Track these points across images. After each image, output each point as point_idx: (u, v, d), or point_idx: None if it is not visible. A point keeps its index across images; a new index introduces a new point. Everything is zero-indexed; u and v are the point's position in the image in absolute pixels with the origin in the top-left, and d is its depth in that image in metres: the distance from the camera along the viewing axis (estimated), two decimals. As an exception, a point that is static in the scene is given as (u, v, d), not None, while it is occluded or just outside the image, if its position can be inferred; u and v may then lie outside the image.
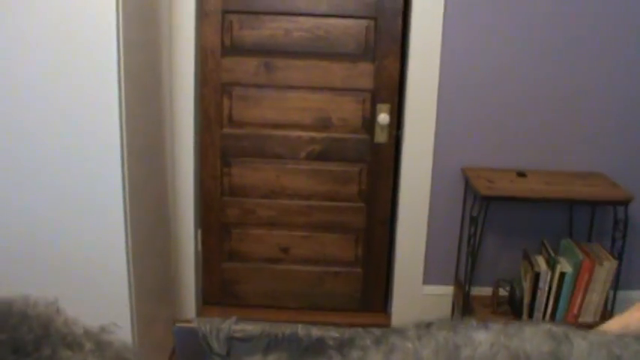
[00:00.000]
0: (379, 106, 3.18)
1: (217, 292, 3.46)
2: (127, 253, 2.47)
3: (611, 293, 2.96)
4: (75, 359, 0.66)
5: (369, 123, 3.20)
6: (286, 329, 1.23)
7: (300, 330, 1.27)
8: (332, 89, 3.16)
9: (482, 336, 0.74)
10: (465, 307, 3.05)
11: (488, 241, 3.21)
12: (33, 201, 2.36)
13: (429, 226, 3.21)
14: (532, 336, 0.74)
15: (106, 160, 2.36)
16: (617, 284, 2.94)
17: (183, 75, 3.04)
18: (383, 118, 3.16)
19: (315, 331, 1.23)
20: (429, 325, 0.76)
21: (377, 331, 0.78)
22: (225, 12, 3.11)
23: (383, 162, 3.25)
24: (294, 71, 3.12)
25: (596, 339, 0.74)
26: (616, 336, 0.74)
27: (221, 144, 3.25)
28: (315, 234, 3.34)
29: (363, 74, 3.16)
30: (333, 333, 1.18)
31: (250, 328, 1.38)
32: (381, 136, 3.21)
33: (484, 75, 3.06)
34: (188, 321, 1.54)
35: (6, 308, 0.66)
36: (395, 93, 3.19)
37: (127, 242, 2.46)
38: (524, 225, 3.22)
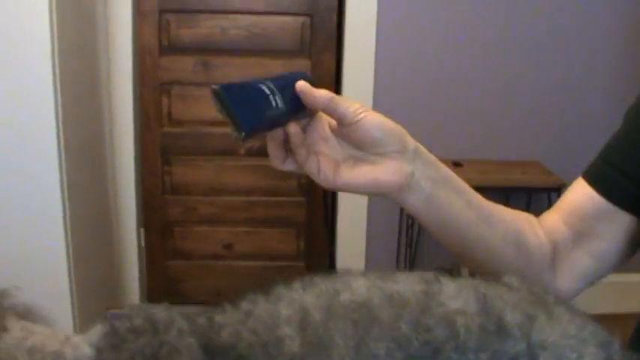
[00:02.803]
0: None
1: (162, 291, 3.47)
2: (68, 253, 2.48)
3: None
4: None
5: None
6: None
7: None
8: (269, 85, 3.19)
9: (360, 282, 0.79)
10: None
11: (427, 231, 3.27)
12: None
13: (368, 217, 3.26)
14: (405, 279, 0.79)
15: (44, 160, 2.37)
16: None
17: (122, 75, 3.05)
18: (320, 112, 3.21)
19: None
20: (313, 278, 0.81)
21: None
22: (162, 11, 3.13)
23: (322, 156, 3.29)
24: (231, 69, 3.16)
25: (464, 281, 0.80)
26: (482, 279, 0.80)
27: (161, 142, 3.27)
28: (258, 229, 3.38)
29: (299, 70, 3.20)
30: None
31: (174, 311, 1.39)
32: (319, 131, 3.25)
33: (418, 68, 3.13)
34: (121, 308, 1.57)
35: None
36: (332, 88, 3.24)
37: (67, 241, 2.47)
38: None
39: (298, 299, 0.76)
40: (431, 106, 3.18)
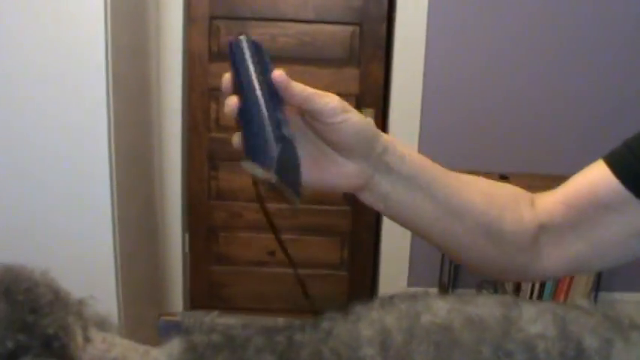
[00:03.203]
0: (364, 110, 3.22)
1: (205, 296, 3.49)
2: (115, 257, 2.50)
3: (593, 295, 3.01)
4: (78, 325, 0.70)
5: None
6: (267, 322, 1.26)
7: (280, 321, 1.30)
8: (318, 94, 3.19)
9: (440, 304, 0.78)
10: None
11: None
12: (21, 202, 2.39)
13: (412, 234, 3.24)
14: (484, 302, 0.78)
15: (94, 164, 2.39)
16: (598, 286, 2.99)
17: (171, 80, 3.08)
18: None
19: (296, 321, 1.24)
20: (391, 298, 0.80)
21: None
22: (213, 17, 3.16)
23: (368, 166, 3.29)
24: (280, 76, 3.15)
25: (541, 305, 0.78)
26: (559, 303, 0.79)
27: (208, 147, 3.29)
28: (302, 237, 3.38)
29: (348, 79, 3.21)
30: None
31: (232, 321, 1.41)
32: (366, 141, 3.25)
33: (467, 79, 3.11)
34: (173, 314, 1.58)
35: (14, 273, 0.69)
36: (380, 98, 3.25)
37: (114, 246, 2.49)
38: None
39: (379, 320, 0.75)
40: (479, 118, 3.16)
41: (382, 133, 0.86)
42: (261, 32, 3.14)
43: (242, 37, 0.83)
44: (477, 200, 0.91)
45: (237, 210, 3.36)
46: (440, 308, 0.77)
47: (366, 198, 0.89)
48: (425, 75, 3.10)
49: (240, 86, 0.82)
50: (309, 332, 0.77)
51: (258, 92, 0.82)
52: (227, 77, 0.83)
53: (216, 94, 3.22)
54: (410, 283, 3.33)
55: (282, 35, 3.16)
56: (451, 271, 3.14)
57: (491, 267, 0.98)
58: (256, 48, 0.83)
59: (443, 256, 3.28)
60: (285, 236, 3.11)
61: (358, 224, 3.39)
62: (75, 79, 2.32)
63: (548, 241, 0.95)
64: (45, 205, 2.40)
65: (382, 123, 3.26)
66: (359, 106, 3.22)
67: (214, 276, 3.46)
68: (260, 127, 0.81)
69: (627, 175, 0.92)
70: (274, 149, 0.81)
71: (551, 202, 0.95)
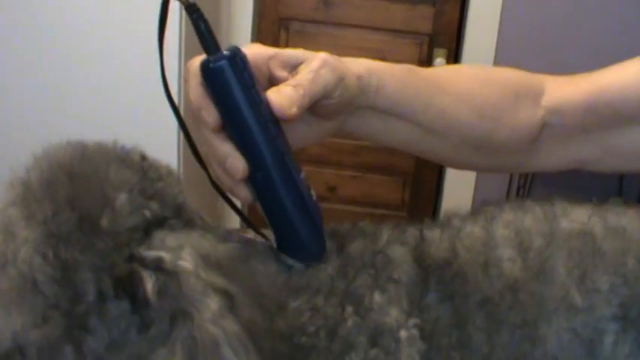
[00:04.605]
0: (436, 50, 3.15)
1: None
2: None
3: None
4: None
5: (425, 67, 3.17)
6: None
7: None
8: (390, 31, 3.13)
9: (579, 210, 0.74)
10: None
11: (537, 194, 3.19)
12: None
13: (477, 174, 3.19)
14: (625, 212, 0.74)
15: (164, 156, 2.37)
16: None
17: (242, 7, 3.04)
18: (439, 62, 3.13)
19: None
20: (522, 202, 0.76)
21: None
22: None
23: (436, 107, 3.23)
24: (353, 9, 3.10)
25: None
26: None
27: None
28: (364, 175, 3.34)
29: (422, 17, 3.13)
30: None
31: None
32: (435, 81, 3.18)
33: (544, 23, 3.02)
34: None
35: (118, 145, 0.64)
36: (453, 39, 3.16)
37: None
38: (574, 181, 3.18)
39: (514, 221, 0.71)
40: (555, 68, 3.06)
41: (364, 75, 0.75)
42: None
43: (223, 63, 0.61)
44: (466, 116, 0.81)
45: (299, 143, 3.33)
46: (580, 214, 0.73)
47: (339, 133, 0.80)
48: (501, 20, 3.01)
49: (243, 142, 0.63)
50: (439, 229, 0.73)
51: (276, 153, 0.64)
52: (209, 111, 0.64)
53: (286, 24, 3.17)
54: (469, 229, 3.28)
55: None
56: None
57: (481, 169, 0.93)
58: (242, 65, 0.63)
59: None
60: (346, 173, 3.06)
61: (422, 165, 3.33)
62: (147, 72, 2.29)
63: (551, 139, 0.86)
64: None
65: (457, 41, 3.17)
66: (431, 45, 3.15)
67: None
68: (295, 219, 0.67)
69: None
70: (321, 244, 0.69)
71: (569, 101, 0.86)
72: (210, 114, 0.63)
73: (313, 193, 0.68)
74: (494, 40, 3.02)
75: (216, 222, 2.97)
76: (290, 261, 0.67)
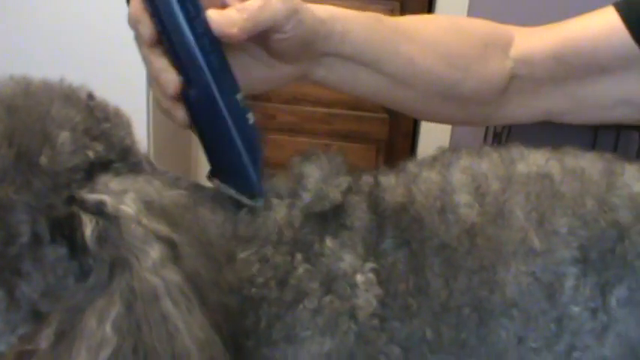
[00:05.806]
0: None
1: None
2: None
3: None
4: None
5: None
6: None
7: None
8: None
9: (536, 154, 0.73)
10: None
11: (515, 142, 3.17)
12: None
13: (451, 139, 3.18)
14: (583, 155, 0.73)
15: None
16: None
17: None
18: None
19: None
20: (480, 148, 0.75)
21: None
22: None
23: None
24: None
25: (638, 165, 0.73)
26: None
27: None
28: (336, 143, 3.32)
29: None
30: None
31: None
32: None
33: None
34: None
35: (65, 83, 0.61)
36: (424, 6, 3.14)
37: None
38: (547, 143, 3.18)
39: (471, 166, 0.70)
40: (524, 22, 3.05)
41: (327, 19, 0.72)
42: None
43: None
44: (434, 65, 0.80)
45: (271, 112, 3.30)
46: (537, 157, 0.72)
47: (303, 79, 0.78)
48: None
49: (177, 57, 0.62)
50: (395, 175, 0.72)
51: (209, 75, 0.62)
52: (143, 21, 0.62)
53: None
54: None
55: None
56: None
57: (449, 120, 0.92)
58: None
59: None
60: (319, 141, 3.03)
61: (395, 132, 3.32)
62: None
63: (521, 90, 0.86)
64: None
65: (428, 7, 3.14)
66: (403, 13, 3.11)
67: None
68: (228, 141, 0.64)
69: None
70: (254, 174, 0.67)
71: (538, 52, 0.85)
72: (146, 27, 0.61)
73: (251, 116, 0.66)
74: (466, 6, 3.00)
75: (190, 170, 2.94)
76: (224, 188, 0.66)
